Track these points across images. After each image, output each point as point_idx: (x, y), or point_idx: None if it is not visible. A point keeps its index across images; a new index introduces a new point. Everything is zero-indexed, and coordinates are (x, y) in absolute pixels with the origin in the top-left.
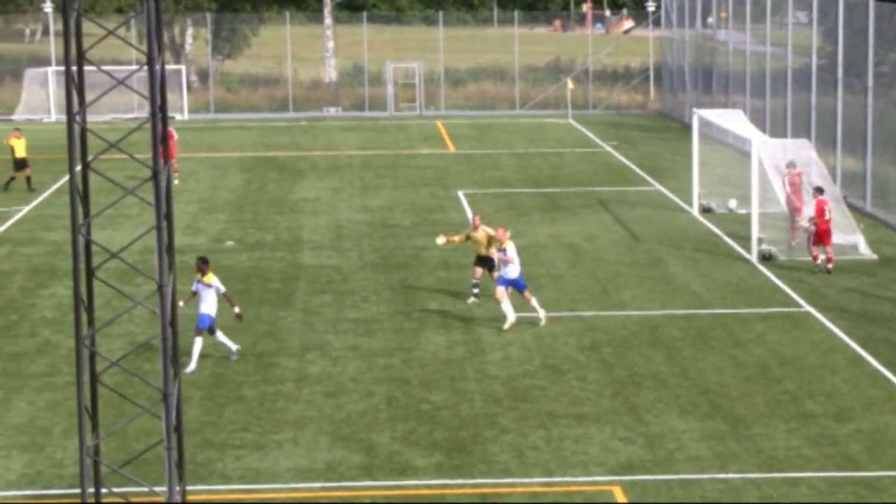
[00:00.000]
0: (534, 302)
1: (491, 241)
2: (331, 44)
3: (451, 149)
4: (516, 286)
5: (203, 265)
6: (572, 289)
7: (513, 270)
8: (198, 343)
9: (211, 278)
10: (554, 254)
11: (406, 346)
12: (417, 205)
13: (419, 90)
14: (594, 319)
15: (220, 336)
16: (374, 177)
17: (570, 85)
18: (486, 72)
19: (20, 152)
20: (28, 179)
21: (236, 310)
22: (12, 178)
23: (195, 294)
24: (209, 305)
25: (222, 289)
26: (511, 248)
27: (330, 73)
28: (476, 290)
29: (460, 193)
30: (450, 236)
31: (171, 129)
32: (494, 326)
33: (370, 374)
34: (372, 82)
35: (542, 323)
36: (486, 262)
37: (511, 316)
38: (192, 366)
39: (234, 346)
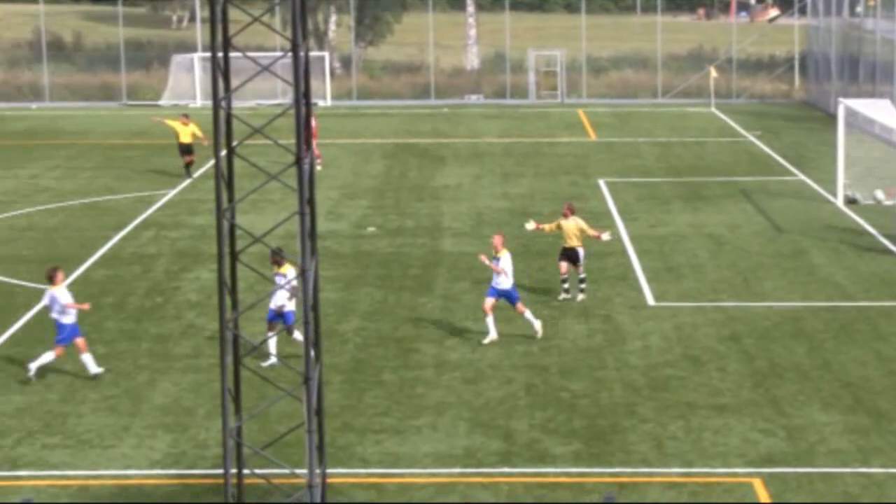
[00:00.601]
0: (527, 314)
1: (582, 232)
2: (473, 31)
3: (592, 137)
4: (508, 298)
5: (278, 256)
6: (713, 279)
7: (505, 282)
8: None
9: (287, 269)
10: (695, 243)
11: (545, 333)
12: (558, 193)
13: (561, 78)
14: (735, 310)
15: (297, 335)
16: (515, 164)
17: (714, 73)
18: (628, 60)
19: (185, 138)
20: (188, 166)
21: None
22: (189, 164)
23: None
24: (281, 297)
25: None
26: (506, 258)
27: (472, 60)
28: (566, 286)
29: (601, 182)
30: (540, 223)
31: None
32: (635, 316)
33: (509, 362)
34: (513, 70)
35: (539, 335)
36: (570, 256)
37: (493, 333)
38: (273, 359)
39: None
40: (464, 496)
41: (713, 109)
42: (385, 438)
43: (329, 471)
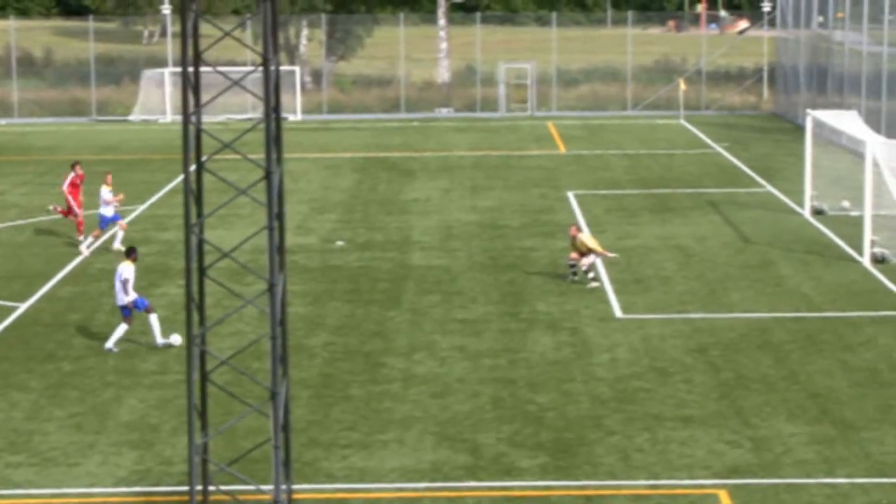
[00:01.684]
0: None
1: (589, 249)
2: (444, 44)
3: (562, 150)
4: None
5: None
6: (681, 291)
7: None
8: None
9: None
10: (663, 255)
11: (513, 346)
12: (527, 206)
13: (531, 91)
14: (702, 322)
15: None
16: (485, 177)
17: (683, 86)
18: (599, 72)
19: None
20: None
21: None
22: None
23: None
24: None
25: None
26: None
27: (442, 73)
28: (574, 270)
29: (570, 194)
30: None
31: None
32: (602, 328)
33: (477, 375)
34: (484, 83)
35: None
36: (582, 252)
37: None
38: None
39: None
40: None
41: (682, 121)
42: (352, 453)
43: (295, 487)
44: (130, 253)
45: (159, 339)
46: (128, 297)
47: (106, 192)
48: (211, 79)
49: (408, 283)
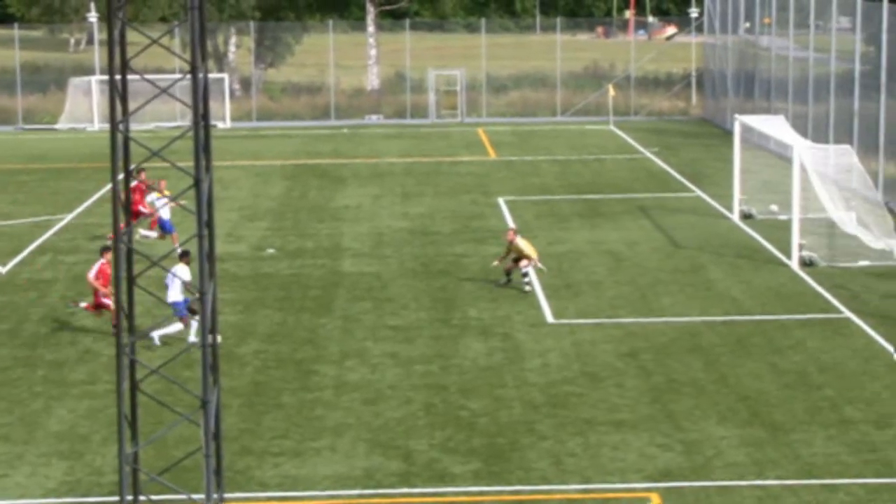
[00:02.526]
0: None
1: (524, 254)
2: (373, 51)
3: (493, 156)
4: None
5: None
6: (612, 295)
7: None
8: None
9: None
10: (594, 260)
11: (445, 353)
12: (458, 212)
13: (461, 97)
14: (633, 326)
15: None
16: (415, 184)
17: (612, 91)
18: (528, 79)
19: None
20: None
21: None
22: None
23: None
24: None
25: None
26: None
27: (372, 80)
28: (509, 277)
29: (501, 200)
30: (499, 259)
31: None
32: (533, 334)
33: (409, 381)
34: (414, 90)
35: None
36: (516, 259)
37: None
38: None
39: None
40: None
41: (612, 127)
42: (284, 461)
43: (227, 495)
44: (185, 255)
45: (193, 338)
46: (175, 297)
47: (154, 197)
48: (139, 87)
49: (339, 290)
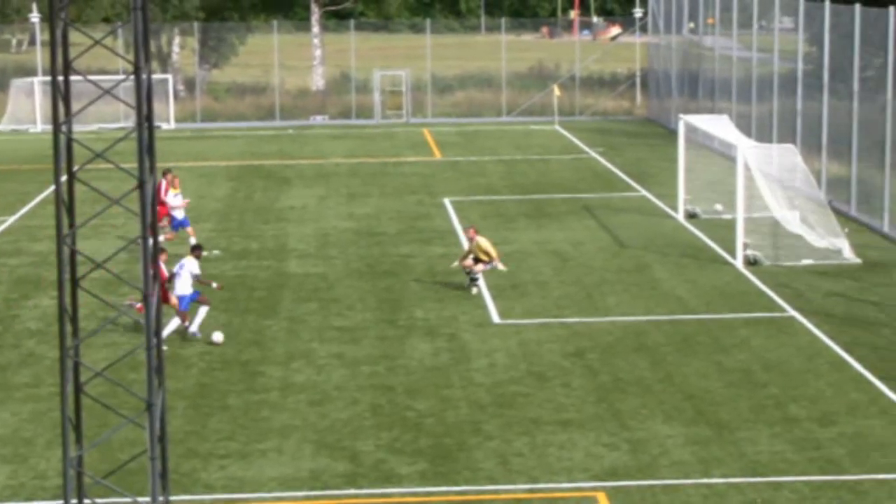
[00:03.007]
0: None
1: (486, 253)
2: (318, 52)
3: (438, 156)
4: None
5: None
6: (558, 295)
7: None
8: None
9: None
10: (539, 260)
11: (391, 353)
12: (404, 212)
13: (406, 98)
14: (579, 326)
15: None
16: (361, 185)
17: (557, 92)
18: (474, 79)
19: None
20: None
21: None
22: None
23: None
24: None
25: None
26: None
27: (317, 81)
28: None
29: (446, 201)
30: (461, 260)
31: None
32: (480, 334)
33: (355, 382)
34: (359, 90)
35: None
36: (477, 259)
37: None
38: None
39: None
40: None
41: (557, 127)
42: (230, 463)
43: (173, 498)
44: (196, 249)
45: (195, 328)
46: (183, 290)
47: (172, 196)
48: (82, 88)
49: (285, 291)
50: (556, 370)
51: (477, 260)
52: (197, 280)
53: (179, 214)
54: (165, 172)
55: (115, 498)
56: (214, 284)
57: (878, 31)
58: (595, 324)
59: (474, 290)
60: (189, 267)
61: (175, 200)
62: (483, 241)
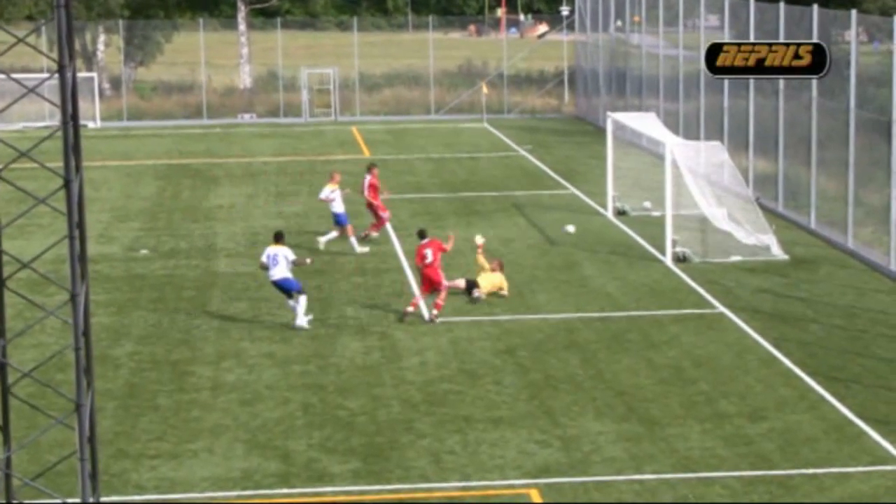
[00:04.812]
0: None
1: (497, 287)
2: (245, 50)
3: (367, 154)
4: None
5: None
6: (488, 293)
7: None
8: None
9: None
10: (469, 258)
11: (322, 352)
12: None
13: (334, 96)
14: (510, 323)
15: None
16: (290, 183)
17: (485, 89)
18: (401, 77)
19: None
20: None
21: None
22: None
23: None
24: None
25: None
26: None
27: (244, 79)
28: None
29: None
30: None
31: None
32: (411, 332)
33: (286, 381)
34: (287, 88)
35: None
36: (469, 285)
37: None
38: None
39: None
40: None
41: (485, 125)
42: (161, 464)
43: (103, 499)
44: (281, 237)
45: (301, 321)
46: (285, 273)
47: (328, 190)
48: (6, 86)
49: (214, 290)
50: (487, 368)
51: (469, 288)
52: (293, 264)
53: (339, 207)
54: (371, 167)
55: (45, 500)
56: (308, 260)
57: (803, 28)
58: (526, 321)
59: (475, 294)
60: (283, 253)
61: (331, 194)
62: (500, 277)
